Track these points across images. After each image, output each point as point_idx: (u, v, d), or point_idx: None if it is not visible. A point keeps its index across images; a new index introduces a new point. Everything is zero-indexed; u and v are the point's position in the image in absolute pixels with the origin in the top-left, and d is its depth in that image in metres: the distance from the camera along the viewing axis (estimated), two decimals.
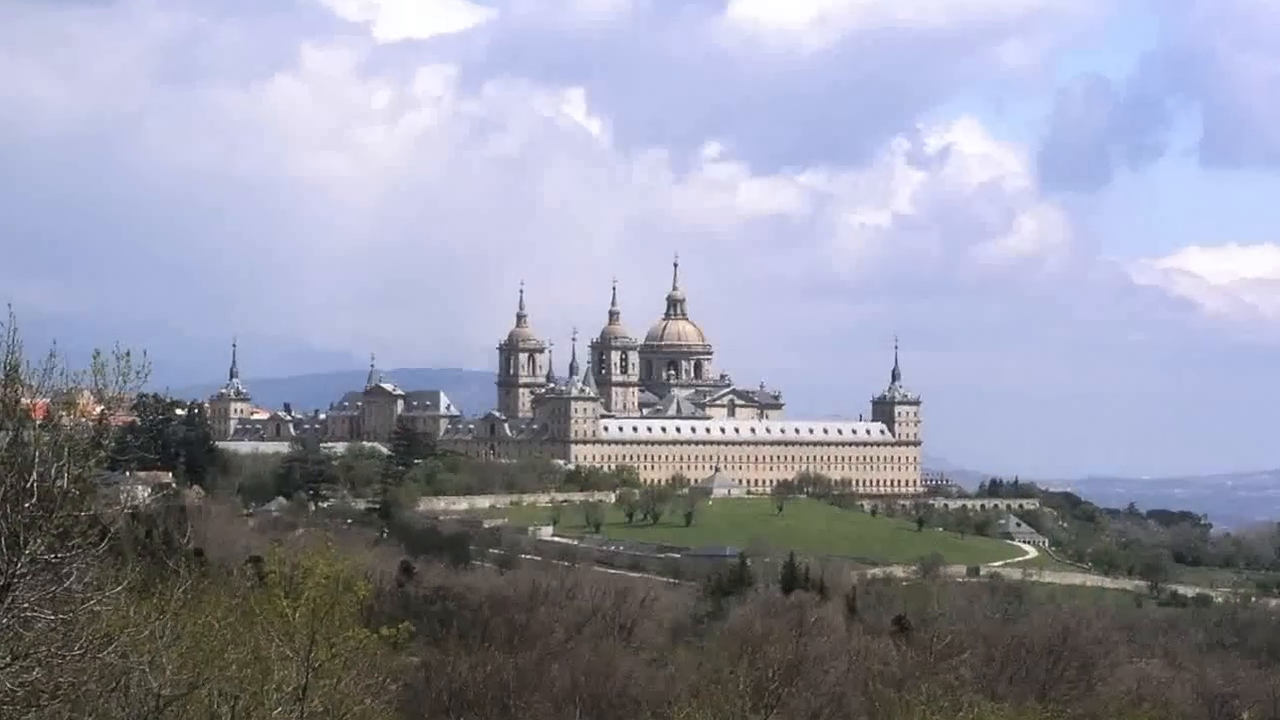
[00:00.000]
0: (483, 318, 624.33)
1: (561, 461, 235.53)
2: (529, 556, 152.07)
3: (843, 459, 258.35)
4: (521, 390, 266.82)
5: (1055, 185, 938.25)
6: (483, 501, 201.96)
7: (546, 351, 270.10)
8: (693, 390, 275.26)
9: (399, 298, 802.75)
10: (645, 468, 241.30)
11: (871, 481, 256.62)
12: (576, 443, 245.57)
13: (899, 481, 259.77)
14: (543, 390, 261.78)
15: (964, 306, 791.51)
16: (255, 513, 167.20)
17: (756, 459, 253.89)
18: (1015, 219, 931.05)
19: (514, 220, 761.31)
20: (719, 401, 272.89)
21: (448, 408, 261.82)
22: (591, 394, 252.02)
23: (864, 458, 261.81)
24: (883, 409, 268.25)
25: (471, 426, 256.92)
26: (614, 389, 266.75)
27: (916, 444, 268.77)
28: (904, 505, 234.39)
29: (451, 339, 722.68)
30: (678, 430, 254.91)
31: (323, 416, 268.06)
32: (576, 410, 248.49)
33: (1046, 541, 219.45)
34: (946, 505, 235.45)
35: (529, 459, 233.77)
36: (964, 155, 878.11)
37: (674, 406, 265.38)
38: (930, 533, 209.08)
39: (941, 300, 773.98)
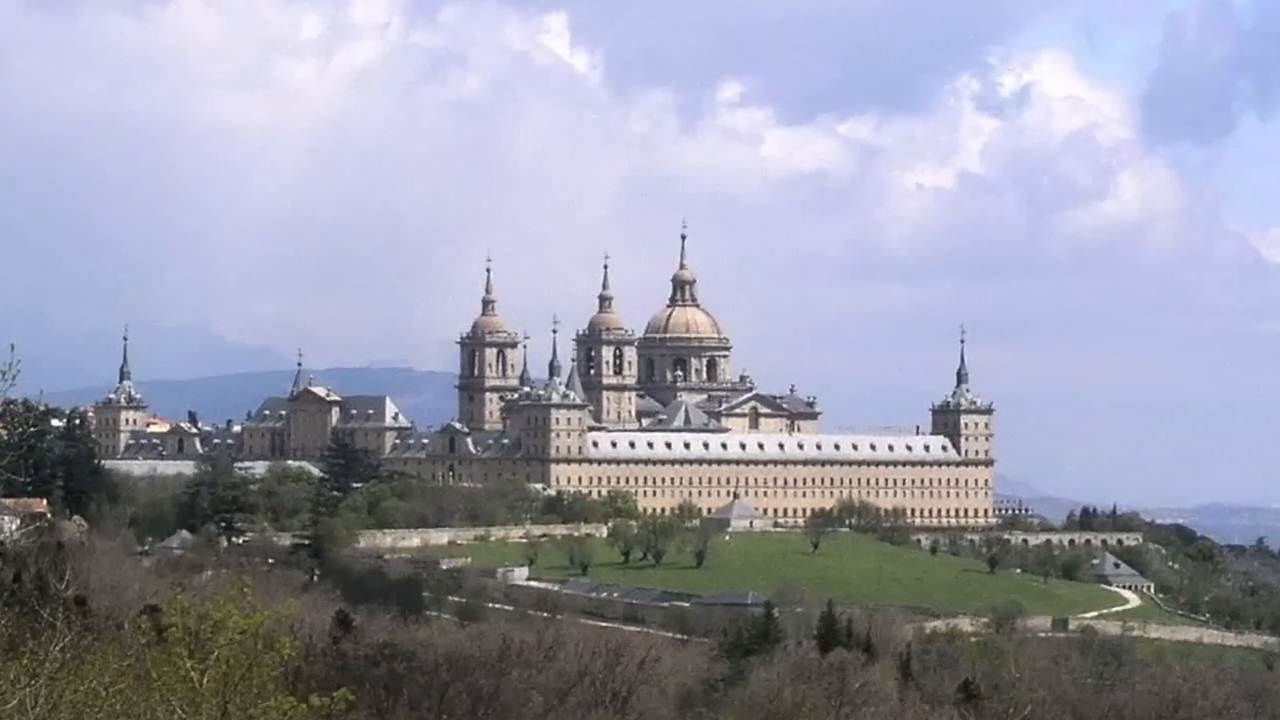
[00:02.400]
0: (438, 304, 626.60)
1: (539, 485, 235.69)
2: (498, 606, 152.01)
3: (895, 482, 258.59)
4: (489, 395, 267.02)
5: (1164, 136, 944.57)
6: (440, 536, 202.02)
7: (520, 347, 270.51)
8: (705, 395, 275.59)
9: (332, 279, 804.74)
10: (645, 493, 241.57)
11: (932, 511, 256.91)
12: (558, 461, 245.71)
13: (966, 511, 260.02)
14: (515, 396, 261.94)
15: (1049, 289, 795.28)
16: (152, 550, 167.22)
17: (786, 482, 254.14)
18: (1114, 179, 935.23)
19: (478, 181, 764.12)
20: (738, 410, 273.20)
21: (395, 417, 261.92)
22: (577, 400, 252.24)
23: (922, 481, 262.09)
24: (946, 419, 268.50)
25: (425, 441, 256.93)
26: (605, 394, 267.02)
27: (989, 463, 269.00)
28: (972, 541, 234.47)
29: (399, 331, 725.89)
30: (686, 446, 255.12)
31: (237, 428, 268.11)
32: (558, 421, 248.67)
33: (1152, 587, 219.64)
34: (1026, 541, 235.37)
35: (498, 482, 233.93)
36: (1048, 98, 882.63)
37: (681, 416, 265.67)
38: (1006, 576, 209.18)
39: (1020, 282, 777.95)
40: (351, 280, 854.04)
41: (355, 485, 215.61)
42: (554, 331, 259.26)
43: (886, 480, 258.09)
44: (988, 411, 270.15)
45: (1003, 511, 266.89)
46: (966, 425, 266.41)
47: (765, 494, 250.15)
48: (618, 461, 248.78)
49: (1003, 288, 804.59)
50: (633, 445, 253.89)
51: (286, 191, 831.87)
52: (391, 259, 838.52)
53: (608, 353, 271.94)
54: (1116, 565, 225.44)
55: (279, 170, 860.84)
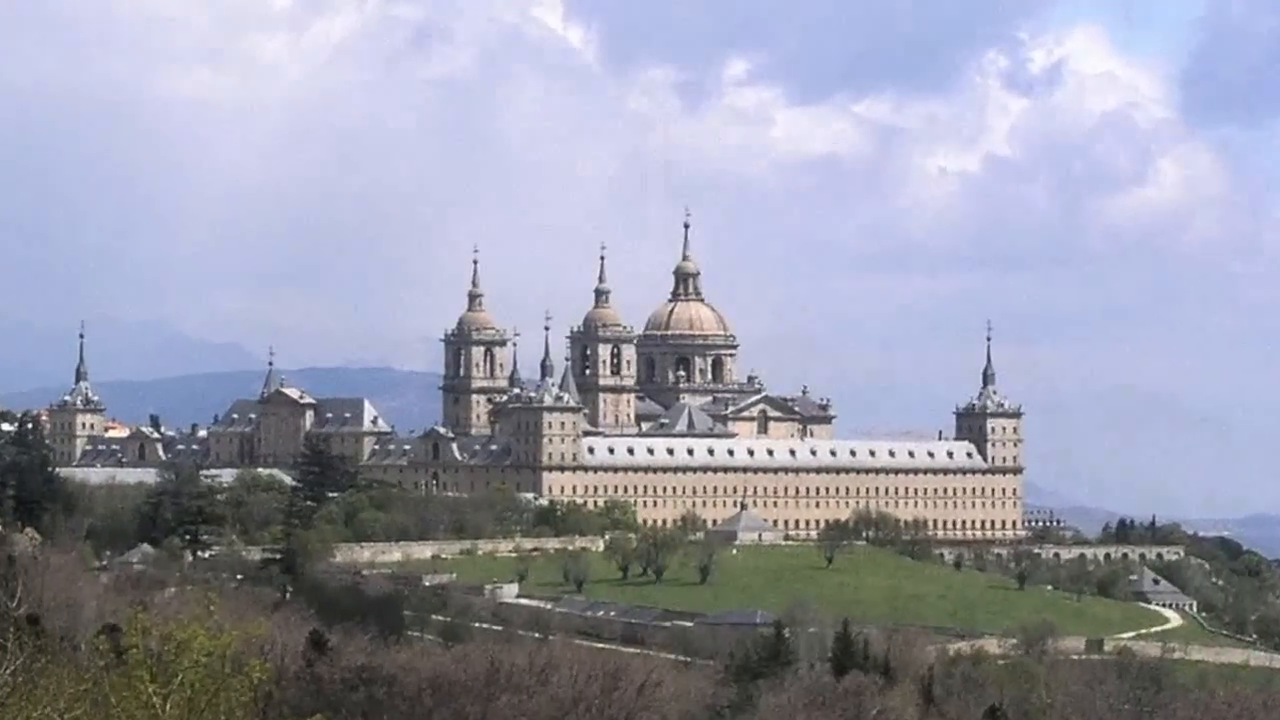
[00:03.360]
0: (420, 299, 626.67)
1: (530, 495, 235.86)
2: (486, 626, 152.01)
3: (916, 492, 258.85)
4: (475, 398, 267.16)
5: (1207, 117, 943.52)
6: (423, 550, 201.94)
7: (509, 345, 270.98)
8: (710, 398, 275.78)
9: (305, 271, 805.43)
10: (645, 504, 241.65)
11: (955, 523, 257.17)
12: (550, 469, 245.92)
13: (993, 523, 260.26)
14: (504, 398, 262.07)
15: (1082, 282, 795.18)
16: (111, 565, 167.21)
17: (797, 492, 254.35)
18: (1153, 163, 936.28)
19: (464, 164, 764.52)
20: (746, 413, 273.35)
21: (374, 421, 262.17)
22: (571, 403, 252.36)
23: (945, 490, 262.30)
24: (970, 423, 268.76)
25: (407, 447, 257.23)
26: (602, 396, 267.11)
27: (1017, 471, 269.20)
28: (999, 555, 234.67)
29: (377, 328, 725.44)
30: (690, 453, 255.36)
31: (203, 433, 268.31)
32: (551, 425, 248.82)
33: (1195, 605, 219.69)
34: (1058, 555, 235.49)
35: (486, 492, 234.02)
36: (1082, 76, 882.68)
37: (684, 420, 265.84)
38: (1036, 592, 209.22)
39: (1051, 274, 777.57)
40: (327, 272, 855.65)
41: (331, 495, 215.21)
42: (546, 328, 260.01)
43: (906, 490, 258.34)
44: (1016, 415, 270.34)
45: (1032, 523, 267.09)
46: (993, 430, 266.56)
47: (775, 505, 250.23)
48: (615, 469, 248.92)
49: (1033, 280, 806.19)
50: (631, 452, 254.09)
51: (256, 176, 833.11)
52: (370, 249, 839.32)
53: (604, 351, 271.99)
54: (1156, 581, 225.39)
55: (248, 152, 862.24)
